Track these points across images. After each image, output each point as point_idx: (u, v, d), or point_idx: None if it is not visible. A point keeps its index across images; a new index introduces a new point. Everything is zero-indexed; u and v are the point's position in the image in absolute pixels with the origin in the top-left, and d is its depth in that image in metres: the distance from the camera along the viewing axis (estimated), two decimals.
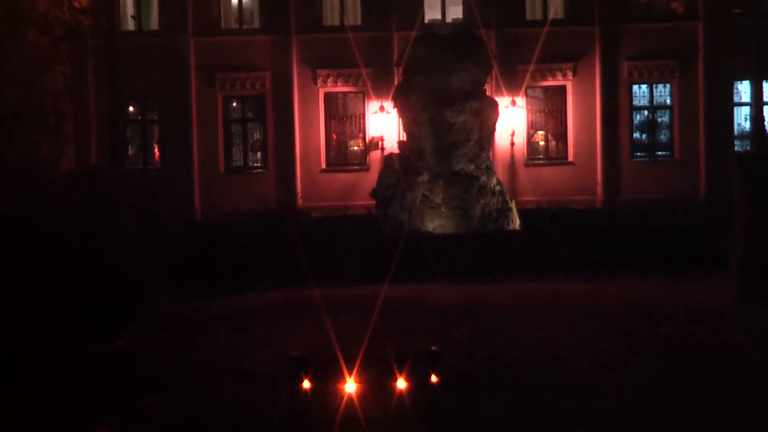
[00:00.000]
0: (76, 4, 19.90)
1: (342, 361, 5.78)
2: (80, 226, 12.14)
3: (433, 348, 4.92)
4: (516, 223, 19.54)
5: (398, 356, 4.98)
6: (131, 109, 28.21)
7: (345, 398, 5.52)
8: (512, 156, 29.11)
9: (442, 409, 5.37)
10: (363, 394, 5.75)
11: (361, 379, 5.39)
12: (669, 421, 7.07)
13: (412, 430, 5.33)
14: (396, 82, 23.38)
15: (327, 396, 5.71)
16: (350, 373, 5.22)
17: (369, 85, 28.62)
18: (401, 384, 4.90)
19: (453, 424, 5.95)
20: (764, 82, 24.93)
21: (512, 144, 28.96)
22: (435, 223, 19.17)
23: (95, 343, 10.51)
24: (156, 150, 28.99)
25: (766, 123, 25.45)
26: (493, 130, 19.96)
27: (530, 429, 6.89)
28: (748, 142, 27.32)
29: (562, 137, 30.13)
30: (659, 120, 30.38)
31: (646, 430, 6.94)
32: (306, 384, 4.86)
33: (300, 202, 28.30)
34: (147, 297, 13.68)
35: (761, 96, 24.45)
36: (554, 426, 7.00)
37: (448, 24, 28.39)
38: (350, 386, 5.13)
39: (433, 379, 4.99)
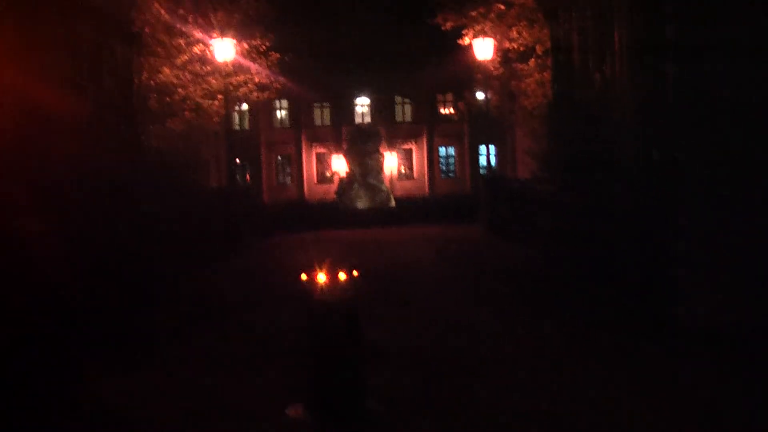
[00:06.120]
0: None
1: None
2: (221, 209, 18.09)
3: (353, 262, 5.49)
4: (393, 204, 29.10)
5: (338, 263, 5.65)
6: (237, 160, 37.94)
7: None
8: (391, 176, 39.12)
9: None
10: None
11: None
12: (450, 267, 12.10)
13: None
14: (345, 146, 32.71)
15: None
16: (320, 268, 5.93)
17: (333, 148, 41.23)
18: (342, 275, 5.79)
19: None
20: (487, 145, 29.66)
21: (391, 172, 39.30)
22: (360, 204, 28.66)
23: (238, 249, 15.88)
24: (247, 177, 42.28)
25: (491, 161, 30.85)
26: (383, 165, 30.66)
27: (403, 274, 11.25)
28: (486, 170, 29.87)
29: (410, 169, 42.63)
30: (450, 162, 43.73)
31: (444, 270, 11.79)
32: (321, 277, 5.72)
33: (307, 196, 39.71)
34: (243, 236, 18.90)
35: (489, 154, 29.91)
36: (413, 273, 11.33)
37: (366, 123, 39.48)
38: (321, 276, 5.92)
39: (355, 273, 5.89)
